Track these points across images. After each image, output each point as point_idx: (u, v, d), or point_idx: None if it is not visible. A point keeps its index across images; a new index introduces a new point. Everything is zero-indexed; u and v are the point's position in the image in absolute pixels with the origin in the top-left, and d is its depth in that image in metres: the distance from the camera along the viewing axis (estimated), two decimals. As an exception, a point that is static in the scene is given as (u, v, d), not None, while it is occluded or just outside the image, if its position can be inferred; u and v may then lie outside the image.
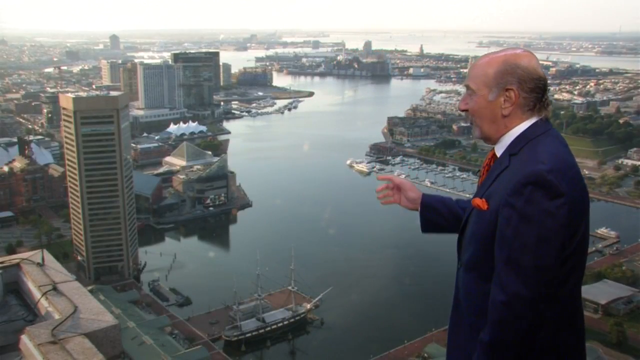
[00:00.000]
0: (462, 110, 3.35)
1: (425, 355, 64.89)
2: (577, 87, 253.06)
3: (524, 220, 2.85)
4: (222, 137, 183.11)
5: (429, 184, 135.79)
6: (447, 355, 3.60)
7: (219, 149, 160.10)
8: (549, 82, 3.39)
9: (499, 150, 3.25)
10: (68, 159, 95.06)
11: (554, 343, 3.07)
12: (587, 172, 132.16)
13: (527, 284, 2.85)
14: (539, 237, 2.83)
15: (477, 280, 3.22)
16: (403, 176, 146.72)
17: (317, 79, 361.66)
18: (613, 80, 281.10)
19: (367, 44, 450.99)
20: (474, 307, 3.24)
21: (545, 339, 3.03)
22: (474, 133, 3.38)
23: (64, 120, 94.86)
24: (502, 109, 3.16)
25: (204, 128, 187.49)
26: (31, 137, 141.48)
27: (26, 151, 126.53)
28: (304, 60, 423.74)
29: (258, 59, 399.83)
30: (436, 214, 3.88)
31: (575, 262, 3.02)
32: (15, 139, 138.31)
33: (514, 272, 2.88)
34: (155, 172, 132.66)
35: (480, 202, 3.14)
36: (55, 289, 5.86)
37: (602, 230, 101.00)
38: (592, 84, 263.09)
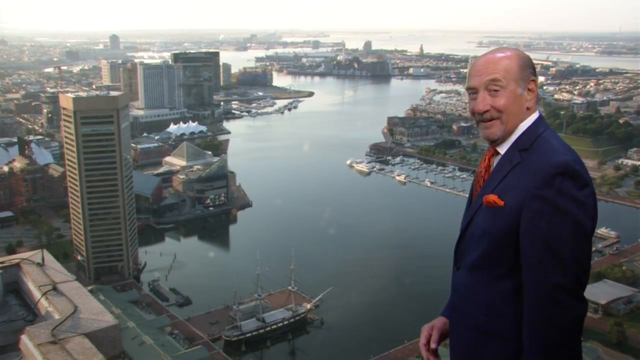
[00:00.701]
0: (483, 112, 3.22)
1: (425, 355, 64.83)
2: (577, 87, 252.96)
3: (558, 212, 2.85)
4: (222, 137, 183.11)
5: (429, 184, 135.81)
6: None
7: (219, 149, 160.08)
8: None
9: (503, 148, 3.24)
10: (68, 159, 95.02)
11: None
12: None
13: (567, 275, 2.84)
14: (575, 227, 2.85)
15: (488, 280, 3.17)
16: (403, 177, 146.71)
17: (317, 79, 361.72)
18: (613, 80, 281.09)
19: (367, 44, 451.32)
20: (483, 308, 3.19)
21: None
22: (491, 132, 3.23)
23: (64, 120, 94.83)
24: (527, 102, 3.19)
25: (204, 128, 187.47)
26: (31, 137, 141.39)
27: (26, 151, 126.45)
28: (304, 60, 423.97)
29: (258, 59, 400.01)
30: None
31: None
32: (15, 139, 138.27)
33: (552, 264, 2.85)
34: (155, 172, 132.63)
35: (495, 198, 3.11)
36: (55, 289, 5.86)
37: (602, 230, 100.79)
38: (592, 84, 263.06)
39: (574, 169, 2.87)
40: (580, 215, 2.86)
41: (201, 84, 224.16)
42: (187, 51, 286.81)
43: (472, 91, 3.25)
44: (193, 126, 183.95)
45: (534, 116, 3.21)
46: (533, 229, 2.91)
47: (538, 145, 3.07)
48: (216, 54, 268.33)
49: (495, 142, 3.27)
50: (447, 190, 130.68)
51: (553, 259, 2.85)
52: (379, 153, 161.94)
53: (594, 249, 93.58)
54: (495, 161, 3.30)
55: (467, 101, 3.54)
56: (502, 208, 3.07)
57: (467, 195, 3.61)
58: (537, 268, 2.90)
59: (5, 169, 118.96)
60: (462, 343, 3.37)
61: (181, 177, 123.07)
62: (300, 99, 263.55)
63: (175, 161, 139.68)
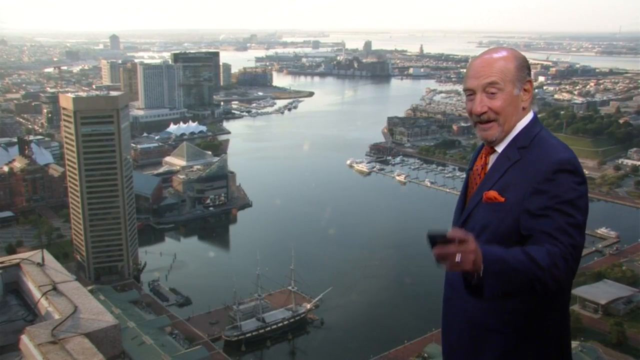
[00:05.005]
0: (481, 114, 3.26)
1: (425, 355, 64.87)
2: (577, 87, 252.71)
3: (562, 202, 3.00)
4: (222, 137, 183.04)
5: (429, 184, 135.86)
6: (444, 356, 3.57)
7: (219, 149, 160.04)
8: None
9: (500, 146, 3.30)
10: (68, 159, 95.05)
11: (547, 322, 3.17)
12: (587, 172, 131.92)
13: (580, 235, 2.97)
14: (576, 215, 2.97)
15: None
16: (403, 177, 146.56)
17: (317, 79, 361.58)
18: (613, 80, 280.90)
19: (367, 44, 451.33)
20: (479, 303, 3.21)
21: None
22: (489, 134, 3.28)
23: (64, 120, 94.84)
24: (523, 102, 3.25)
25: (204, 128, 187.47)
26: (31, 137, 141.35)
27: (26, 151, 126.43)
28: (304, 60, 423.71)
29: (258, 59, 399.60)
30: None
31: None
32: (15, 139, 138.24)
33: (569, 229, 2.93)
34: (155, 172, 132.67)
35: (496, 195, 3.18)
36: (55, 289, 5.86)
37: (602, 230, 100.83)
38: (592, 84, 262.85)
39: (575, 165, 3.03)
40: (581, 209, 3.00)
41: (201, 84, 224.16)
42: (187, 51, 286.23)
43: (470, 92, 3.31)
44: (193, 126, 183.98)
45: (530, 115, 3.28)
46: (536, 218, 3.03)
47: (537, 143, 3.16)
48: (216, 54, 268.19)
49: (492, 142, 3.33)
50: (447, 190, 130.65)
51: (568, 224, 2.95)
52: (379, 153, 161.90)
53: (593, 248, 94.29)
54: (492, 159, 3.35)
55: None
56: (503, 204, 3.14)
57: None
58: (554, 234, 2.93)
59: (5, 169, 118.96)
60: (458, 337, 3.42)
61: (181, 177, 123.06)
62: (300, 99, 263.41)
63: (175, 161, 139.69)
